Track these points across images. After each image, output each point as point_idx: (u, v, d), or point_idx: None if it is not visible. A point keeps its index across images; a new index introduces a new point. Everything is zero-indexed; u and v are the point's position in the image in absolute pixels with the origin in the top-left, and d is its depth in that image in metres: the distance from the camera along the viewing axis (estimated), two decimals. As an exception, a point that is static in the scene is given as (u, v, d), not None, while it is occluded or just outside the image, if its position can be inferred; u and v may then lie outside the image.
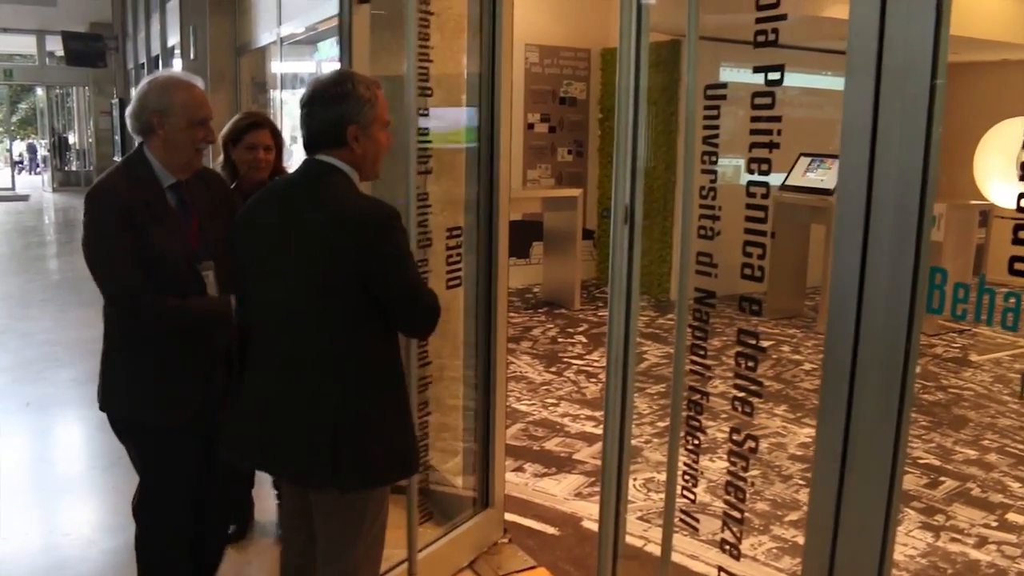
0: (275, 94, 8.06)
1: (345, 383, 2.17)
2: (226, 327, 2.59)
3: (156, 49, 12.27)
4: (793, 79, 8.62)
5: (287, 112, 7.61)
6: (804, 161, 7.98)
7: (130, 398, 2.59)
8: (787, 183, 8.03)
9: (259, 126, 3.41)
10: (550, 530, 3.84)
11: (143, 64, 14.26)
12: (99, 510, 4.11)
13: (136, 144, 2.58)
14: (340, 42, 2.96)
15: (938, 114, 1.67)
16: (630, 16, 2.53)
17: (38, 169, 27.28)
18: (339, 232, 2.10)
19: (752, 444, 2.37)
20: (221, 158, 3.47)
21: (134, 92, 2.61)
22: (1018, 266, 1.60)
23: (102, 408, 2.64)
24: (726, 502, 2.44)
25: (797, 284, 8.22)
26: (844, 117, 1.82)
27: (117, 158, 17.57)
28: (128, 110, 2.57)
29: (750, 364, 2.29)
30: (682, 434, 2.65)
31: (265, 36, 7.60)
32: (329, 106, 2.17)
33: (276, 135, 3.47)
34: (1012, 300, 1.65)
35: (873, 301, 1.83)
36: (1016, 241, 1.60)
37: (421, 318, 2.29)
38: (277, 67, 7.71)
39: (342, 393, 2.16)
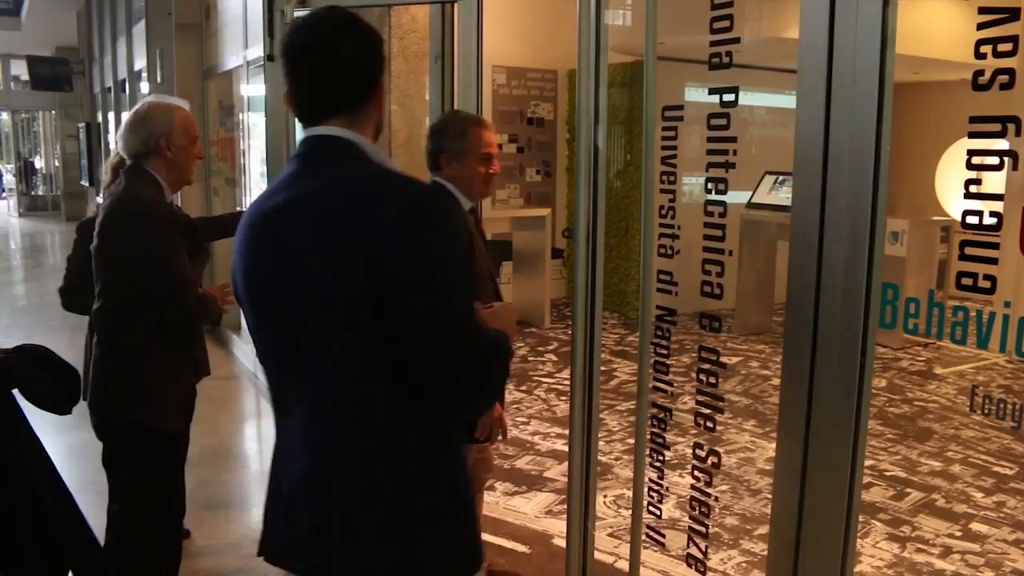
0: (242, 117, 8.05)
1: None
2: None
3: (123, 73, 12.21)
4: (759, 99, 8.74)
5: (255, 135, 7.60)
6: (769, 179, 8.08)
7: (132, 400, 2.67)
8: (753, 201, 8.13)
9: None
10: (521, 548, 3.84)
11: (110, 88, 14.17)
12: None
13: (130, 166, 2.71)
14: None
15: (886, 132, 1.72)
16: (589, 37, 2.57)
17: (3, 194, 26.99)
18: None
19: (715, 459, 2.40)
20: None
21: (127, 117, 2.72)
22: (965, 281, 1.65)
23: (91, 405, 2.72)
24: (692, 517, 2.47)
25: (765, 300, 8.31)
26: (796, 136, 1.87)
27: (84, 182, 17.44)
28: (129, 135, 2.68)
29: (711, 380, 2.33)
30: (648, 450, 2.68)
31: (232, 59, 7.59)
32: None
33: None
34: (960, 314, 1.69)
35: (828, 316, 1.87)
36: (962, 257, 1.65)
37: None
38: (244, 90, 7.70)
39: None
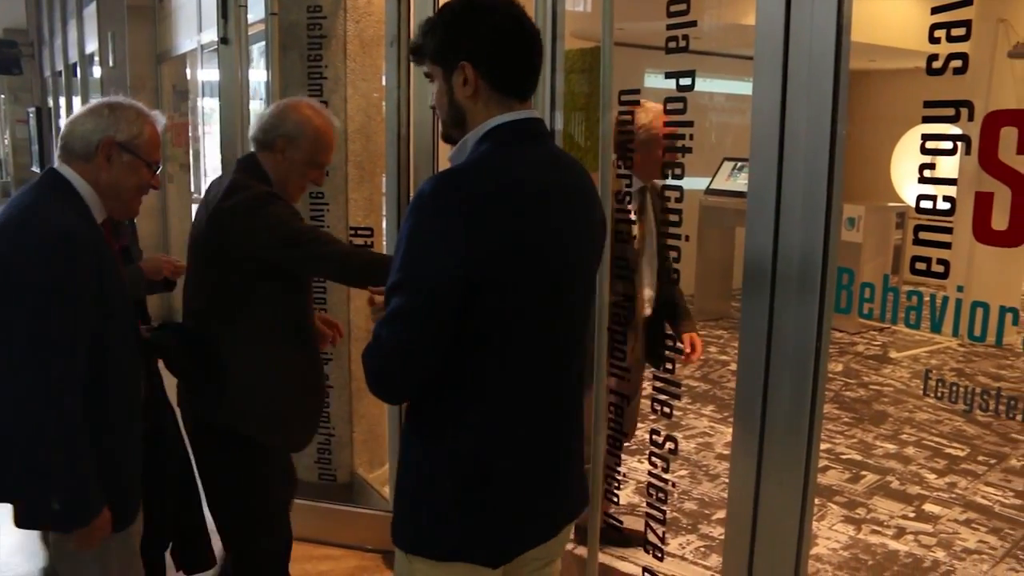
0: (198, 101, 7.92)
1: None
2: None
3: (74, 56, 11.94)
4: (719, 85, 8.77)
5: (209, 120, 7.49)
6: (728, 165, 8.12)
7: (256, 414, 2.44)
8: (712, 187, 8.17)
9: None
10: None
11: (60, 71, 13.87)
12: (15, 533, 3.97)
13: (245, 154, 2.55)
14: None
15: (842, 119, 1.72)
16: (544, 22, 2.55)
17: (-49, 180, 26.36)
18: None
19: (672, 445, 2.41)
20: None
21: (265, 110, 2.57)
22: (919, 265, 1.66)
23: (189, 406, 2.51)
24: (648, 504, 2.47)
25: (723, 286, 8.36)
26: (752, 122, 1.86)
27: (36, 168, 17.07)
28: (258, 121, 2.51)
29: (668, 366, 2.33)
30: (605, 436, 2.68)
31: (186, 43, 7.46)
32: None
33: None
34: (914, 299, 1.70)
35: (784, 301, 1.87)
36: (916, 241, 1.65)
37: None
38: (199, 74, 7.58)
39: None
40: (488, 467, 1.62)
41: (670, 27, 2.06)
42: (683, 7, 2.03)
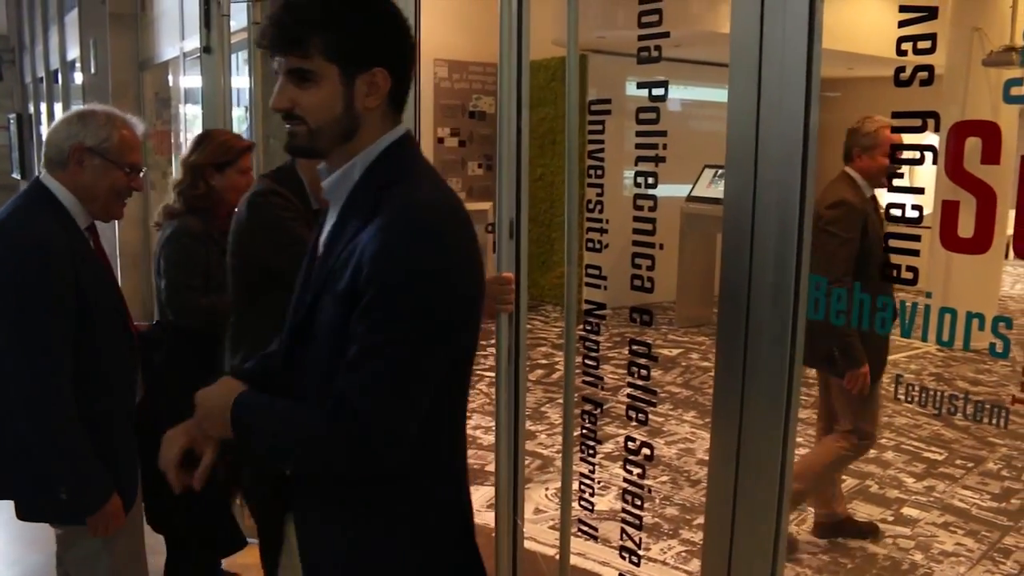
0: (180, 109, 7.91)
1: None
2: None
3: (55, 63, 11.90)
4: (700, 93, 8.84)
5: (192, 127, 7.48)
6: (708, 172, 8.18)
7: None
8: (693, 194, 8.22)
9: (250, 149, 3.11)
10: (463, 542, 3.84)
11: (41, 78, 13.80)
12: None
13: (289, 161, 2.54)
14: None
15: (813, 126, 1.75)
16: (510, 27, 2.55)
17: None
18: None
19: (648, 451, 2.43)
20: (176, 187, 3.03)
21: None
22: (888, 272, 1.69)
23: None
24: (625, 509, 2.49)
25: (705, 293, 8.41)
26: (728, 130, 1.89)
27: (16, 175, 16.97)
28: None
29: (643, 373, 2.35)
30: (580, 444, 2.70)
31: (168, 50, 7.45)
32: None
33: None
34: (885, 304, 1.74)
35: (760, 308, 1.90)
36: (886, 249, 1.69)
37: None
38: (181, 82, 7.57)
39: None
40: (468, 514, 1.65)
41: (641, 38, 2.08)
42: (655, 18, 2.06)
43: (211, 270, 2.90)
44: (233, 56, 3.67)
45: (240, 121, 4.36)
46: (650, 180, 2.19)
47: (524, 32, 2.57)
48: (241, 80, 4.39)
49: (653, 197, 2.20)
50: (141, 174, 2.35)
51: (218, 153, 2.97)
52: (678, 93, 8.86)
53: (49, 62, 12.78)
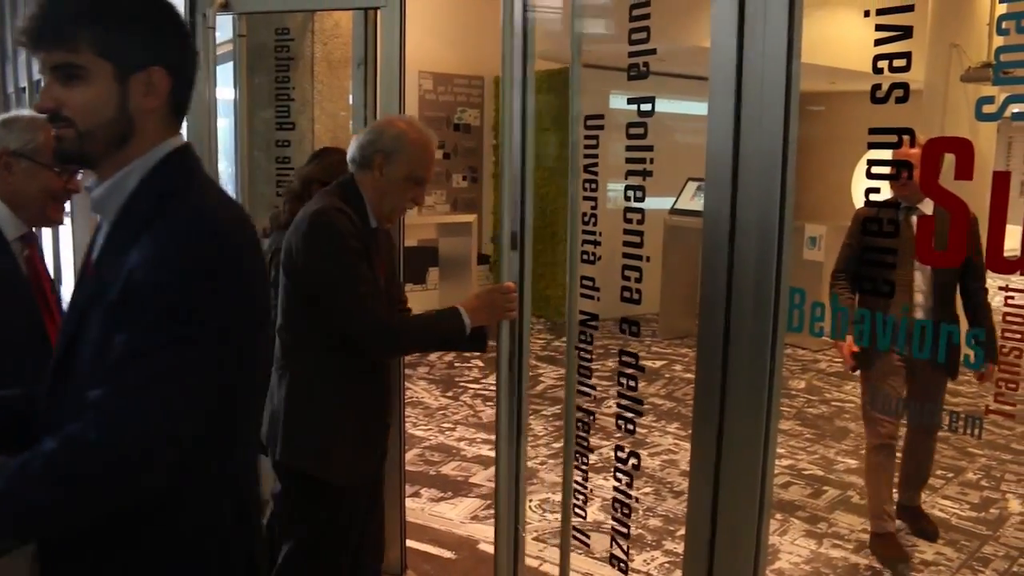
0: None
1: None
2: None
3: (37, 73, 11.85)
4: (685, 107, 8.90)
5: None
6: (692, 185, 8.23)
7: (317, 456, 2.45)
8: (676, 207, 8.27)
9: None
10: (447, 554, 3.85)
11: (23, 88, 13.74)
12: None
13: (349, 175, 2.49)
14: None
15: (792, 140, 1.78)
16: (511, 40, 2.56)
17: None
18: None
19: (635, 461, 2.45)
20: (285, 196, 3.10)
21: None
22: (866, 285, 1.72)
23: (268, 446, 2.51)
24: (614, 519, 2.51)
25: (689, 305, 8.44)
26: (708, 143, 1.92)
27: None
28: (356, 138, 2.48)
29: (631, 384, 2.38)
30: (575, 454, 2.72)
31: (152, 62, 7.46)
32: None
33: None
34: (863, 317, 1.77)
35: (740, 320, 1.93)
36: (864, 262, 1.72)
37: None
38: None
39: None
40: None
41: (631, 54, 2.11)
42: (643, 35, 2.09)
43: None
44: (219, 68, 3.68)
45: (225, 133, 4.36)
46: (638, 193, 2.22)
47: (529, 45, 2.57)
48: (226, 91, 4.41)
49: (642, 210, 2.23)
50: (79, 176, 2.24)
51: (329, 171, 2.96)
52: (661, 107, 8.90)
53: (32, 72, 12.71)
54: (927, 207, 3.20)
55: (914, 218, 3.19)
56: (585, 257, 2.60)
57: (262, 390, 1.50)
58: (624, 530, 2.51)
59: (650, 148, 2.21)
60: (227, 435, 1.36)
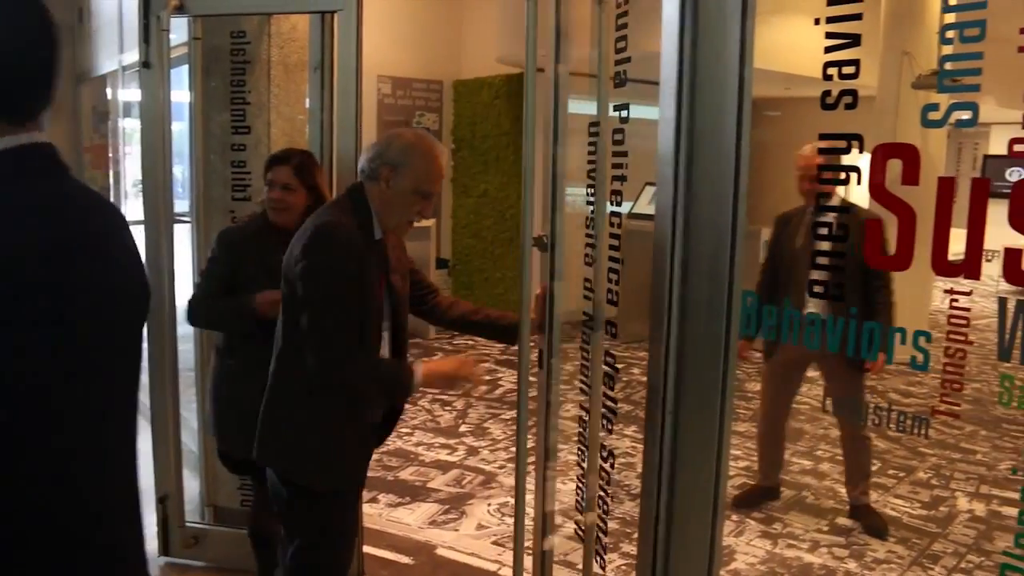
0: (119, 123, 7.79)
1: None
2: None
3: None
4: (642, 112, 8.97)
5: (130, 140, 7.37)
6: (650, 190, 8.29)
7: (306, 465, 2.46)
8: (634, 211, 8.33)
9: (279, 161, 3.02)
10: (404, 560, 3.84)
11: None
12: None
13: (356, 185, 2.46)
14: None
15: (746, 143, 1.80)
16: (530, 41, 2.42)
17: None
18: None
19: (612, 461, 2.49)
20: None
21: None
22: (816, 289, 1.75)
23: (259, 460, 2.53)
24: (599, 518, 2.54)
25: (646, 308, 8.50)
26: (659, 148, 1.94)
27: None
28: (366, 149, 2.45)
29: (610, 384, 2.42)
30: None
31: (107, 63, 7.35)
32: None
33: (305, 175, 2.99)
34: (813, 320, 1.79)
35: (694, 324, 1.95)
36: (815, 265, 1.75)
37: None
38: (120, 95, 7.47)
39: None
40: None
41: (617, 62, 2.15)
42: (624, 44, 2.13)
43: None
44: (174, 71, 3.64)
45: (181, 136, 4.32)
46: (617, 199, 2.25)
47: (561, 44, 2.50)
48: (182, 94, 4.36)
49: (619, 214, 2.27)
50: None
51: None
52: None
53: None
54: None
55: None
56: (588, 260, 2.60)
57: (107, 380, 1.34)
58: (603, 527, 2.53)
59: (626, 154, 2.25)
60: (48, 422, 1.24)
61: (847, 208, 2.38)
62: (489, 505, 4.41)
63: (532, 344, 2.58)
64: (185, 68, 3.66)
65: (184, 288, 3.39)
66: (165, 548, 3.67)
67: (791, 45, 8.00)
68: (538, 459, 2.71)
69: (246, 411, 2.58)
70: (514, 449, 5.12)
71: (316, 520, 2.50)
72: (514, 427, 5.56)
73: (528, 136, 2.47)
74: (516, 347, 2.57)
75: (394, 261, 2.54)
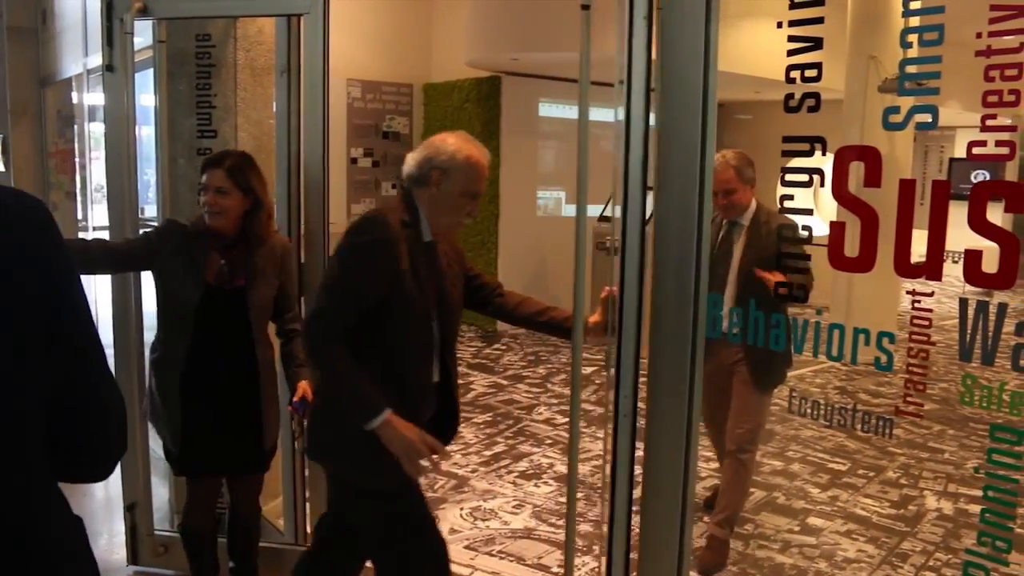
0: (85, 127, 7.70)
1: None
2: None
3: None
4: (607, 114, 9.00)
5: (97, 145, 7.28)
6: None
7: (358, 463, 2.43)
8: (603, 214, 8.35)
9: (212, 164, 2.94)
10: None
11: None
12: None
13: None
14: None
15: (710, 146, 1.81)
16: (584, 55, 2.27)
17: None
18: None
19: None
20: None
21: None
22: (782, 290, 1.76)
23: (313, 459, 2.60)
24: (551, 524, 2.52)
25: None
26: (627, 153, 1.94)
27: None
28: (412, 155, 2.47)
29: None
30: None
31: (71, 67, 7.26)
32: None
33: (240, 177, 2.90)
34: (777, 322, 1.80)
35: (660, 325, 1.96)
36: (780, 268, 1.76)
37: None
38: (85, 99, 7.38)
39: None
40: None
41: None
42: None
43: None
44: (139, 75, 3.60)
45: (147, 140, 4.28)
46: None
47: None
48: (147, 99, 4.32)
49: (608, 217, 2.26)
50: None
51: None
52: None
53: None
54: (745, 221, 3.55)
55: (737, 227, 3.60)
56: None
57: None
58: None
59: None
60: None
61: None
62: (461, 509, 4.39)
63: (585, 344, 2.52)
64: (151, 72, 3.62)
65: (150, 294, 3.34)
66: (134, 557, 3.62)
67: (759, 49, 8.07)
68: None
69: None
70: (487, 453, 5.12)
71: (382, 520, 2.48)
72: (487, 431, 5.56)
73: (582, 149, 2.38)
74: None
75: (445, 267, 2.55)
